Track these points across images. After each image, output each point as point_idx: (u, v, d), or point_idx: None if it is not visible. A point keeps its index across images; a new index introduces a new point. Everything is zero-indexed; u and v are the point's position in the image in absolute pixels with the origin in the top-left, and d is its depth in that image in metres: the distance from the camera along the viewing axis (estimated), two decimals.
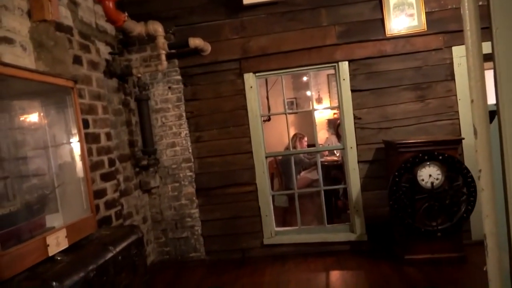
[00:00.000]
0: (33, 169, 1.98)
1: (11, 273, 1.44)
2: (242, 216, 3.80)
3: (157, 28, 3.37)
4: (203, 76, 3.76)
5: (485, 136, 0.98)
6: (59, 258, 1.68)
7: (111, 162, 2.92)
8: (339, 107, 3.71)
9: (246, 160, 3.76)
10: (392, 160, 3.32)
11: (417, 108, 3.55)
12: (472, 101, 0.99)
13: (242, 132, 3.75)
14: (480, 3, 1.00)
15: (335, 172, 4.89)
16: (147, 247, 3.66)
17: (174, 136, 3.79)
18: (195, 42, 3.50)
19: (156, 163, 3.72)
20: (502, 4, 0.96)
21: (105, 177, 2.80)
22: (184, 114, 3.78)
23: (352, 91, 3.60)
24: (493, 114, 1.06)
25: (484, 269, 1.03)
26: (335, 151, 5.44)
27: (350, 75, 3.60)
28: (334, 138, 5.73)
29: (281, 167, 5.50)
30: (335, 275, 3.22)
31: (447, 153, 3.04)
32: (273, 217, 3.88)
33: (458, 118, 3.50)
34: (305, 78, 7.50)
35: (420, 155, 3.05)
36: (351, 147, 3.63)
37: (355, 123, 3.62)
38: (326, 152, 5.54)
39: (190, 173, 3.79)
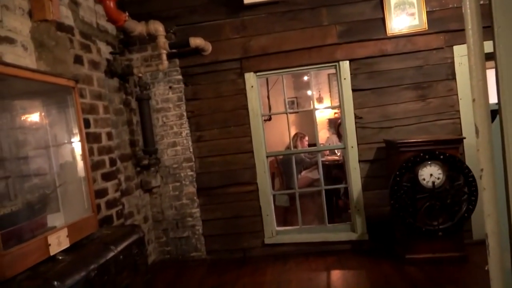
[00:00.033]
0: (34, 169, 1.99)
1: (12, 272, 1.44)
2: (243, 215, 3.80)
3: (158, 27, 3.37)
4: (204, 76, 3.76)
5: (486, 135, 0.98)
6: (60, 258, 1.69)
7: (112, 162, 2.93)
8: (340, 107, 3.71)
9: (247, 160, 3.76)
10: (393, 160, 3.31)
11: (418, 108, 3.55)
12: (473, 100, 0.99)
13: (243, 132, 3.75)
14: (482, 2, 0.99)
15: (336, 171, 4.89)
16: (148, 247, 3.66)
17: (175, 135, 3.80)
18: (196, 41, 3.50)
19: (157, 162, 3.72)
20: (504, 3, 0.95)
21: (106, 177, 2.81)
22: (185, 113, 3.78)
23: (353, 90, 3.60)
24: (494, 113, 1.06)
25: (486, 268, 1.03)
26: (336, 151, 5.44)
27: (351, 74, 3.59)
28: (335, 138, 5.73)
29: (282, 167, 5.50)
30: (336, 275, 3.22)
31: (448, 152, 3.04)
32: (274, 216, 3.88)
33: (459, 118, 3.50)
34: (306, 78, 7.49)
35: (421, 154, 3.05)
36: (352, 147, 3.63)
37: (356, 122, 3.62)
38: (327, 152, 5.53)
39: (191, 173, 3.79)
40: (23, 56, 2.26)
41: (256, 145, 3.73)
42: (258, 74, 3.74)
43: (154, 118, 3.76)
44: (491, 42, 0.99)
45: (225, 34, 3.69)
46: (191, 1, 3.70)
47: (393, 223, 3.48)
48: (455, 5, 3.43)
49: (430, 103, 3.53)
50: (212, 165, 3.80)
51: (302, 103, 7.81)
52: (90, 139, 2.58)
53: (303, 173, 5.68)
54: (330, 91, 7.60)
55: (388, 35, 3.49)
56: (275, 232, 3.82)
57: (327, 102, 7.58)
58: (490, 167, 0.98)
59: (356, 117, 3.61)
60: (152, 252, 3.77)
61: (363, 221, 3.64)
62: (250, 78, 3.71)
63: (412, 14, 3.46)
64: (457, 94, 3.49)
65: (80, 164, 2.11)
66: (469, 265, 3.05)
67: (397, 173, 3.09)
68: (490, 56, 1.00)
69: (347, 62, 3.59)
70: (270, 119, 7.05)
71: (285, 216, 4.99)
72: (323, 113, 7.52)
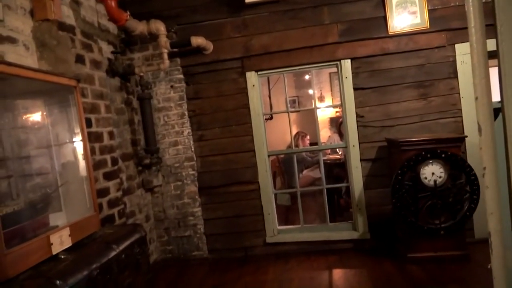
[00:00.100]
0: (36, 168, 1.99)
1: (15, 271, 1.44)
2: (245, 214, 3.80)
3: (159, 27, 3.37)
4: (205, 75, 3.76)
5: (489, 134, 0.97)
6: (62, 257, 1.69)
7: (114, 161, 2.93)
8: (342, 105, 3.70)
9: (248, 159, 3.76)
10: (394, 158, 3.31)
11: (420, 106, 3.54)
12: (476, 98, 0.99)
13: (245, 131, 3.75)
14: (484, 0, 0.99)
15: (337, 170, 4.89)
16: (150, 246, 3.67)
17: (176, 134, 3.80)
18: (197, 40, 3.50)
19: (159, 161, 3.72)
20: (507, 1, 0.95)
21: (108, 176, 2.81)
22: (186, 112, 3.78)
23: (355, 89, 3.60)
24: (497, 111, 1.06)
25: (489, 267, 1.02)
26: (337, 150, 5.44)
27: (352, 73, 3.59)
28: (336, 137, 5.72)
29: (283, 166, 5.49)
30: (338, 273, 3.22)
31: (450, 151, 3.04)
32: (276, 215, 3.88)
33: (461, 116, 3.49)
34: (307, 77, 7.49)
35: (423, 153, 3.04)
36: (354, 145, 3.63)
37: (357, 121, 3.61)
38: (329, 151, 5.53)
39: (193, 172, 3.79)
40: (24, 56, 2.27)
41: (257, 144, 3.73)
42: (259, 73, 3.74)
43: (155, 117, 3.76)
44: (493, 40, 0.99)
45: (226, 33, 3.69)
46: (192, 0, 3.69)
47: (395, 222, 3.48)
48: (457, 3, 3.42)
49: (432, 102, 3.53)
50: (214, 164, 3.81)
51: (303, 102, 7.80)
52: (91, 138, 2.59)
53: (305, 172, 5.68)
54: (331, 90, 7.60)
55: (390, 33, 3.48)
56: (276, 231, 3.83)
57: (328, 101, 7.58)
58: (493, 165, 0.98)
59: (357, 115, 3.61)
60: (154, 251, 3.77)
61: (364, 220, 3.64)
62: (252, 77, 3.70)
63: (414, 13, 3.45)
64: (459, 93, 3.49)
65: (82, 163, 2.12)
66: (471, 263, 3.04)
67: (399, 171, 3.08)
68: (492, 54, 1.00)
69: (349, 60, 3.58)
70: (271, 118, 7.05)
71: (286, 215, 5.00)
72: (325, 112, 7.51)
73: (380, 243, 3.60)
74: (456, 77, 3.48)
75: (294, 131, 5.60)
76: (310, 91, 7.51)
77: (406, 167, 3.08)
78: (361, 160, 3.63)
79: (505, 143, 1.01)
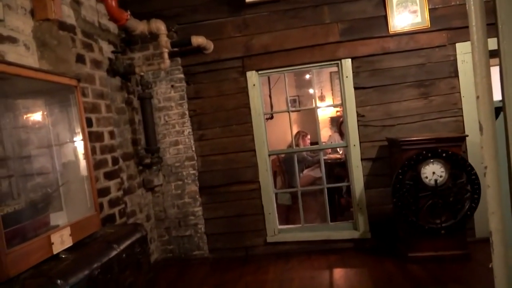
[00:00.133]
0: (37, 168, 1.99)
1: (16, 271, 1.45)
2: (245, 214, 3.80)
3: (160, 26, 3.37)
4: (205, 74, 3.76)
5: (491, 133, 0.97)
6: (63, 256, 1.69)
7: (115, 161, 2.93)
8: (342, 105, 3.70)
9: (249, 158, 3.76)
10: (395, 158, 3.31)
11: (421, 105, 3.54)
12: (478, 97, 0.99)
13: (245, 130, 3.75)
14: None
15: (338, 170, 4.89)
16: (150, 245, 3.67)
17: (177, 134, 3.80)
18: (197, 40, 3.50)
19: (159, 161, 3.72)
20: (508, 0, 0.95)
21: (109, 176, 2.81)
22: (187, 112, 3.77)
23: (355, 88, 3.59)
24: (498, 110, 1.05)
25: (490, 266, 1.02)
26: (338, 149, 5.43)
27: (353, 72, 3.59)
28: (337, 136, 5.73)
29: (284, 165, 5.49)
30: (339, 273, 3.22)
31: (451, 150, 3.03)
32: (276, 215, 3.88)
33: (462, 115, 3.49)
34: (307, 76, 7.49)
35: (424, 152, 3.04)
36: (354, 145, 3.62)
37: (358, 120, 3.61)
38: (329, 150, 5.53)
39: (193, 171, 3.79)
40: (25, 56, 2.27)
41: (258, 144, 3.73)
42: (260, 72, 3.74)
43: (156, 117, 3.76)
44: (494, 39, 0.99)
45: (227, 33, 3.68)
46: None
47: (396, 221, 3.48)
48: (457, 3, 3.41)
49: (433, 101, 3.52)
50: (214, 163, 3.81)
51: (304, 101, 7.80)
52: (92, 138, 2.59)
53: (305, 171, 5.68)
54: (332, 89, 7.60)
55: (390, 33, 3.48)
56: (277, 230, 3.83)
57: (329, 100, 7.57)
58: (495, 164, 0.98)
59: (358, 115, 3.61)
60: (154, 250, 3.78)
61: (365, 219, 3.64)
62: (252, 77, 3.70)
63: (415, 12, 3.44)
64: (459, 92, 3.48)
65: (82, 163, 2.12)
66: (472, 263, 3.04)
67: (400, 171, 3.08)
68: (493, 54, 1.00)
69: (349, 60, 3.58)
70: (272, 117, 7.05)
71: (287, 214, 4.99)
72: (325, 111, 7.51)
73: (381, 242, 3.60)
74: (456, 76, 3.48)
75: (295, 131, 5.59)
76: (311, 91, 7.50)
77: (407, 167, 3.07)
78: (361, 159, 3.62)
79: (506, 142, 1.01)
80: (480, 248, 3.14)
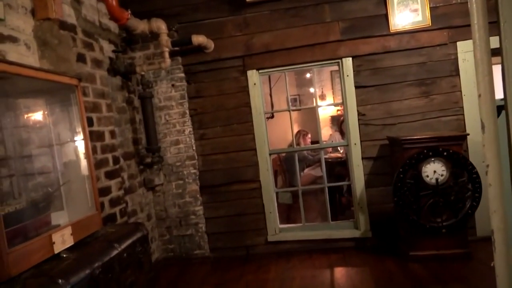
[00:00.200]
0: (38, 167, 1.99)
1: (17, 270, 1.45)
2: (246, 213, 3.80)
3: (160, 25, 3.37)
4: (206, 74, 3.76)
5: (492, 131, 0.97)
6: (64, 256, 1.69)
7: (116, 160, 2.93)
8: (343, 104, 3.69)
9: (250, 157, 3.76)
10: (396, 157, 3.30)
11: (422, 104, 3.53)
12: (479, 95, 0.98)
13: (246, 129, 3.75)
14: None
15: (339, 168, 4.88)
16: (151, 245, 3.67)
17: (178, 133, 3.80)
18: (198, 39, 3.50)
19: (160, 160, 3.72)
20: None
21: (110, 175, 2.81)
22: (187, 111, 3.77)
23: (356, 87, 3.59)
24: (500, 108, 1.05)
25: (492, 264, 1.02)
26: (339, 148, 5.43)
27: (354, 71, 3.58)
28: (337, 135, 5.72)
29: (284, 164, 5.49)
30: (340, 272, 3.22)
31: (452, 149, 3.03)
32: (277, 214, 3.88)
33: (463, 114, 3.48)
34: (308, 75, 7.48)
35: (425, 151, 3.03)
36: (355, 144, 3.62)
37: (359, 119, 3.60)
38: (330, 149, 5.53)
39: (194, 171, 3.79)
40: (26, 55, 2.27)
41: (259, 143, 3.73)
42: (260, 71, 3.73)
43: (156, 116, 3.76)
44: (496, 38, 0.99)
45: (227, 32, 3.68)
46: None
47: (397, 220, 3.47)
48: (458, 1, 3.41)
49: (434, 100, 3.52)
50: (215, 163, 3.81)
51: (304, 100, 7.80)
52: (93, 137, 2.59)
53: (306, 170, 5.68)
54: (332, 88, 7.58)
55: (391, 31, 3.47)
56: (278, 229, 3.83)
57: (329, 99, 7.56)
58: (496, 163, 0.97)
59: (359, 114, 3.60)
60: (155, 250, 3.78)
61: (366, 218, 3.64)
62: (253, 76, 3.70)
63: (416, 10, 3.44)
64: (460, 91, 3.48)
65: (83, 162, 2.12)
66: (473, 262, 3.04)
67: (401, 170, 3.08)
68: (495, 52, 0.99)
69: (350, 58, 3.57)
70: (272, 116, 7.04)
71: (288, 213, 5.00)
72: (326, 110, 7.50)
73: (382, 241, 3.60)
74: (458, 75, 3.47)
75: (295, 130, 5.59)
76: (311, 90, 7.50)
77: (408, 165, 3.07)
78: (362, 158, 3.62)
79: (508, 140, 1.00)
80: (482, 247, 3.14)
